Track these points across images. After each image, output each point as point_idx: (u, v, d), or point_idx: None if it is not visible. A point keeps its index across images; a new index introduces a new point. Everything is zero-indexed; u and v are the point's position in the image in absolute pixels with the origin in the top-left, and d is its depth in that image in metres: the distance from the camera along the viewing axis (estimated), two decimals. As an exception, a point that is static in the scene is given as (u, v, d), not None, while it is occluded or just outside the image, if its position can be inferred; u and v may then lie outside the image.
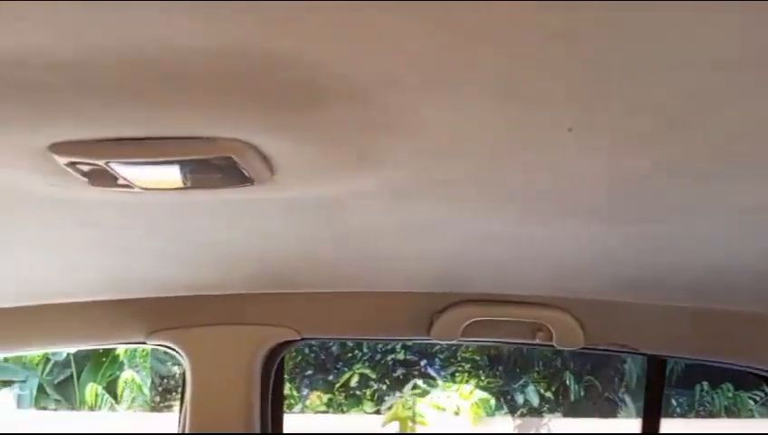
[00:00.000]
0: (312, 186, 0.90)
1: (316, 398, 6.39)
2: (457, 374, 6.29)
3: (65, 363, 7.99)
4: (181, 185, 0.78)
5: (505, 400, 5.97)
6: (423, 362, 6.52)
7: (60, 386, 8.01)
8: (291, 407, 6.43)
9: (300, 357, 6.59)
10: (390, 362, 6.44)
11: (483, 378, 6.24)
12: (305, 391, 6.64)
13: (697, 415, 6.42)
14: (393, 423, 5.66)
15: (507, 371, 6.32)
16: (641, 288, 1.46)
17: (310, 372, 6.56)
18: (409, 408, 5.65)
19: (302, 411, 6.45)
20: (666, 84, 0.61)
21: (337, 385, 6.49)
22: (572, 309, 1.49)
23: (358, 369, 6.35)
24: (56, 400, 8.01)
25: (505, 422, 5.78)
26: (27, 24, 0.51)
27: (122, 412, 7.39)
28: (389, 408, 6.03)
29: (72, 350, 6.67)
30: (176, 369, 8.36)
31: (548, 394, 6.22)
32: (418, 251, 1.32)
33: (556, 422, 5.74)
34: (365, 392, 6.29)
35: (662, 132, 0.72)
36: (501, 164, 0.85)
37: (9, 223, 1.05)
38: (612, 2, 0.49)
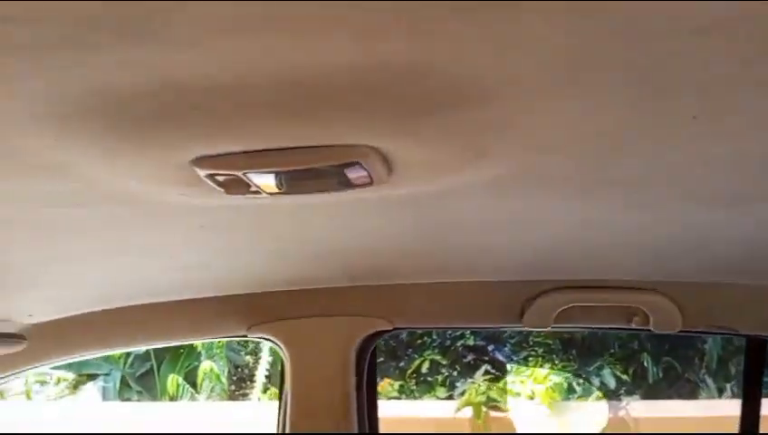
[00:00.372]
0: (422, 184, 0.92)
1: (387, 384, 6.46)
2: (530, 359, 6.25)
3: (145, 356, 8.26)
4: (309, 190, 0.82)
5: (580, 383, 5.90)
6: (493, 348, 6.51)
7: (141, 378, 8.31)
8: (363, 394, 6.51)
9: (370, 345, 6.65)
10: (460, 348, 6.45)
11: (556, 362, 6.18)
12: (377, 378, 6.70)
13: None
14: (466, 409, 5.66)
15: (581, 354, 6.24)
16: (740, 269, 1.43)
17: (381, 359, 6.66)
18: (483, 393, 5.65)
19: (374, 398, 6.52)
20: None
21: (408, 371, 6.54)
22: (670, 292, 1.48)
23: (428, 355, 6.39)
24: (138, 391, 8.32)
25: (581, 406, 5.71)
26: (199, 52, 0.55)
27: (203, 402, 7.63)
28: (462, 393, 6.04)
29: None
30: (249, 358, 8.60)
31: (624, 377, 6.11)
32: (514, 240, 1.33)
33: (635, 405, 5.63)
34: (436, 378, 6.32)
35: None
36: (615, 153, 0.86)
37: (129, 229, 1.12)
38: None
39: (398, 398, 6.41)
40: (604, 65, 0.61)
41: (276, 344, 1.72)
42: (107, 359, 7.97)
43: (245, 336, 1.73)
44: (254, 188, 0.81)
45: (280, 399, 1.78)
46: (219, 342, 7.50)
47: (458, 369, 6.39)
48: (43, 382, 8.00)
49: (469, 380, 6.08)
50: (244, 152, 0.75)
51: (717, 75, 0.63)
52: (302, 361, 1.68)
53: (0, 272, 1.22)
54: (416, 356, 6.48)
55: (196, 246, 1.26)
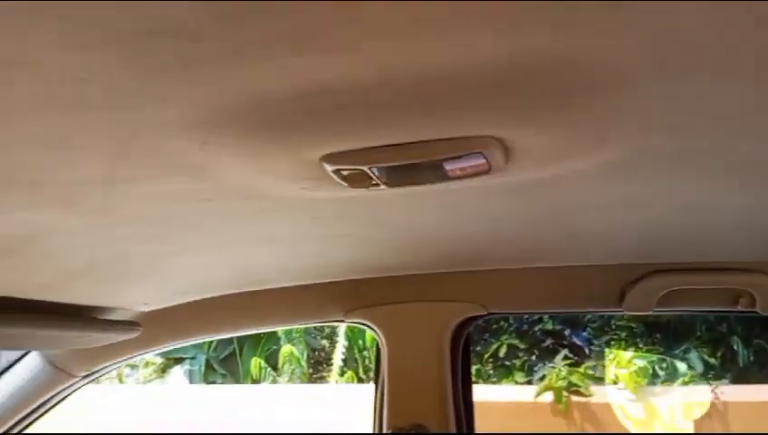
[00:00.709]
0: (536, 170, 0.93)
1: (464, 369, 6.44)
2: (613, 342, 6.11)
3: (228, 340, 8.53)
4: (429, 181, 0.84)
5: (666, 367, 5.74)
6: (573, 332, 6.41)
7: (224, 361, 8.62)
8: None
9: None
10: (538, 333, 6.38)
11: (640, 345, 6.02)
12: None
13: None
14: (547, 393, 5.61)
15: (666, 337, 6.06)
16: None
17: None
18: (564, 378, 5.57)
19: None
20: None
21: (485, 356, 6.52)
22: None
23: (506, 340, 6.35)
24: (222, 374, 8.64)
25: (667, 390, 5.56)
26: (350, 56, 0.58)
27: (283, 384, 7.84)
28: (542, 378, 5.98)
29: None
30: (325, 342, 8.78)
31: (712, 360, 5.90)
32: (616, 224, 1.32)
33: (724, 389, 5.44)
34: (514, 363, 6.28)
35: None
36: (732, 136, 0.85)
37: (245, 222, 1.17)
38: None
39: (476, 382, 6.41)
40: (742, 50, 0.61)
41: (372, 329, 1.77)
42: (192, 344, 8.31)
43: (343, 321, 1.79)
44: (375, 182, 0.84)
45: (376, 382, 1.83)
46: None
47: (537, 353, 6.32)
48: (133, 366, 8.39)
49: (549, 364, 6.01)
50: (372, 148, 0.78)
51: None
52: (397, 345, 1.72)
53: (120, 264, 1.30)
54: (492, 341, 6.46)
55: (304, 235, 1.31)
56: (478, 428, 1.85)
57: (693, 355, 5.85)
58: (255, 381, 8.00)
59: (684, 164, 0.95)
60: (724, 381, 5.81)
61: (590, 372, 5.92)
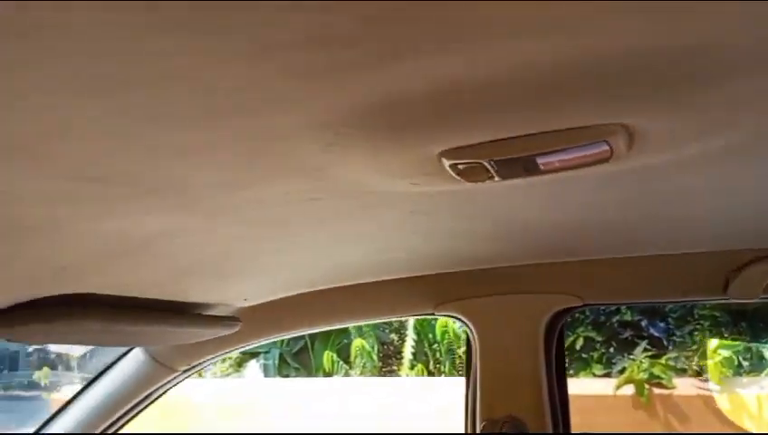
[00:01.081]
0: (655, 156, 0.91)
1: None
2: (696, 333, 5.90)
3: (300, 335, 8.68)
4: (548, 172, 0.83)
5: (752, 357, 5.49)
6: (653, 323, 6.21)
7: (297, 355, 8.80)
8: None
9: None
10: (616, 324, 6.22)
11: (725, 335, 5.79)
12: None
13: None
14: (627, 386, 5.46)
15: (753, 326, 5.80)
16: None
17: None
18: (645, 370, 5.41)
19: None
20: None
21: (561, 348, 6.38)
22: None
23: (582, 332, 6.22)
24: (295, 368, 8.81)
25: (754, 381, 5.33)
26: (490, 52, 0.58)
27: (355, 377, 7.94)
28: (621, 371, 5.83)
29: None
30: (393, 336, 8.84)
31: (805, 351, 5.61)
32: (723, 209, 1.27)
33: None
34: (591, 356, 6.14)
35: None
36: None
37: (347, 218, 1.19)
38: None
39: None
40: None
41: (463, 322, 1.77)
42: (266, 338, 8.48)
43: (433, 314, 1.80)
44: (492, 174, 0.84)
45: (467, 375, 1.83)
46: (368, 320, 7.68)
47: (615, 345, 6.17)
48: (210, 360, 8.63)
49: (628, 356, 5.85)
50: (494, 141, 0.78)
51: None
52: (490, 338, 1.71)
53: (225, 262, 1.34)
54: (569, 333, 6.34)
55: (400, 230, 1.32)
56: (560, 421, 1.82)
57: (783, 345, 5.58)
58: (328, 375, 8.12)
59: None
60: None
61: (672, 363, 5.73)
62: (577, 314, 6.31)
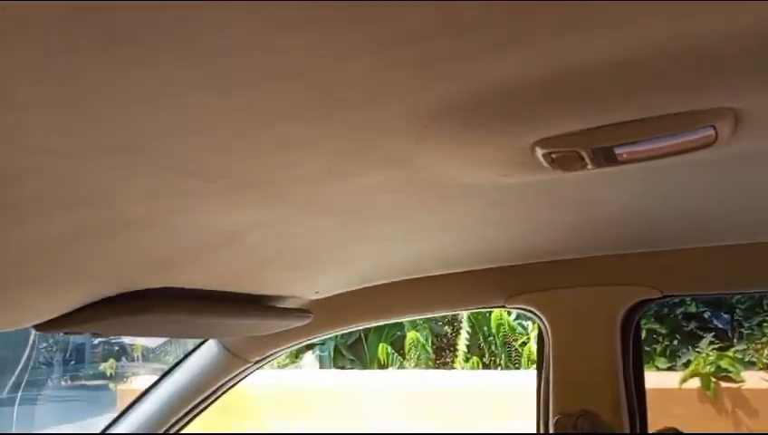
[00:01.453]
0: (758, 140, 0.87)
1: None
2: (765, 324, 5.68)
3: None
4: (647, 159, 0.81)
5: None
6: (717, 315, 6.02)
7: (352, 347, 8.87)
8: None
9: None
10: (680, 316, 6.04)
11: (798, 328, 5.55)
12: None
13: None
14: (693, 380, 5.30)
15: (828, 319, 5.56)
16: None
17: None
18: (711, 363, 5.24)
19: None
20: None
21: (622, 341, 6.23)
22: None
23: (644, 325, 6.07)
24: (350, 359, 8.89)
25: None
26: (596, 36, 0.56)
27: (410, 370, 7.95)
28: (686, 364, 5.67)
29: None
30: (447, 329, 8.82)
31: None
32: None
33: None
34: (654, 348, 5.98)
35: None
36: None
37: (426, 210, 1.17)
38: None
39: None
40: None
41: (536, 315, 1.74)
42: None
43: (504, 307, 1.77)
44: (586, 163, 0.82)
45: (539, 368, 1.80)
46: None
47: (679, 338, 5.99)
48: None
49: (693, 349, 5.68)
50: (593, 129, 0.76)
51: None
52: (564, 331, 1.68)
53: (302, 255, 1.35)
54: (630, 325, 6.18)
55: (476, 222, 1.31)
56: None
57: None
58: (382, 367, 8.16)
59: None
60: None
61: (740, 356, 5.53)
62: (638, 307, 6.13)
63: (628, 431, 1.65)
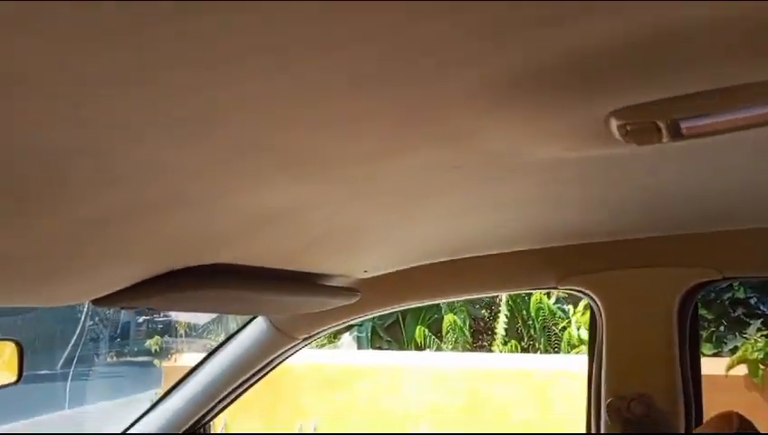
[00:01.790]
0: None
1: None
2: (818, 312, 5.50)
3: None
4: (725, 131, 0.77)
5: None
6: (766, 300, 5.84)
7: (389, 329, 8.92)
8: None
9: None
10: (727, 302, 5.89)
11: None
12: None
13: None
14: (740, 366, 5.18)
15: None
16: None
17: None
18: (760, 350, 5.11)
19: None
20: None
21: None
22: None
23: (691, 309, 5.93)
24: (387, 341, 8.94)
25: None
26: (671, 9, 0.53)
27: (447, 352, 7.95)
28: (732, 350, 5.53)
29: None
30: (484, 312, 8.78)
31: None
32: None
33: None
34: (701, 334, 5.85)
35: None
36: None
37: (485, 187, 1.15)
38: None
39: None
40: None
41: (589, 296, 1.70)
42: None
43: (556, 288, 1.74)
44: (664, 135, 0.78)
45: (591, 351, 1.77)
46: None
47: (726, 324, 5.85)
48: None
49: (741, 335, 5.54)
50: (673, 98, 0.72)
51: None
52: (618, 313, 1.64)
53: (352, 233, 1.34)
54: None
55: (533, 199, 1.28)
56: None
57: None
58: (419, 349, 8.17)
59: None
60: None
61: (791, 343, 5.37)
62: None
63: (683, 416, 1.61)
